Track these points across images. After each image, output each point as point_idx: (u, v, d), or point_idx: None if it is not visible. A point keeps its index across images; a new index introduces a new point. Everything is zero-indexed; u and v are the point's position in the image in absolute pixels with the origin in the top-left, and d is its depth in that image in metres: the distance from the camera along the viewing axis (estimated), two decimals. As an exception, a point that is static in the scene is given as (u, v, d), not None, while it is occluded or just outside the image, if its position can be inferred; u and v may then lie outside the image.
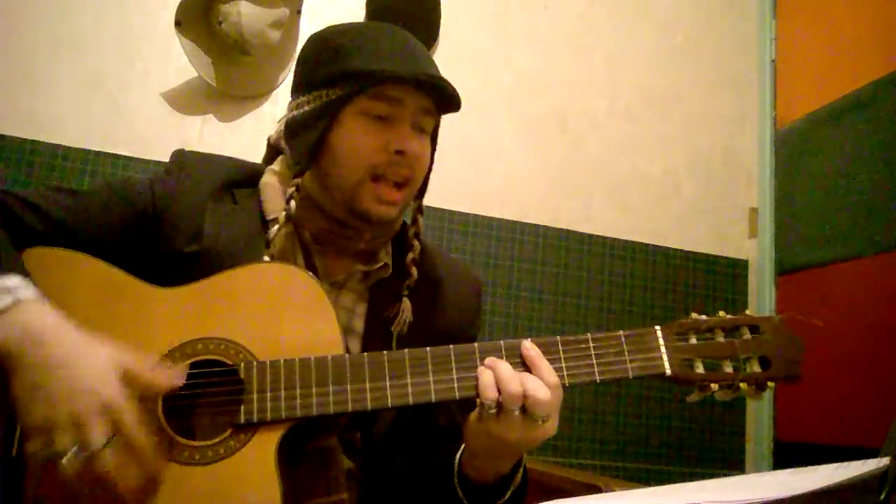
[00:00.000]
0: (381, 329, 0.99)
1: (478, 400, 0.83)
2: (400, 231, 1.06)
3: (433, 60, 0.97)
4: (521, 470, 0.92)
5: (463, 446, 0.91)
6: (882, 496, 0.49)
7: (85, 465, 0.70)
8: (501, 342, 0.86)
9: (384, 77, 0.91)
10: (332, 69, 0.94)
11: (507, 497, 0.90)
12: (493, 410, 0.81)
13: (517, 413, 0.81)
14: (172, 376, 0.80)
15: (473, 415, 0.85)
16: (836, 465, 0.54)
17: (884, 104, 2.10)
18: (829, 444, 2.09)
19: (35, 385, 0.72)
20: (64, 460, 0.70)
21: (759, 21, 2.67)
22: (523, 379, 0.81)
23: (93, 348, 0.76)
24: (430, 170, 1.03)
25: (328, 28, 1.01)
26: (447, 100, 0.96)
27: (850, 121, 2.22)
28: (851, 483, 0.50)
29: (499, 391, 0.81)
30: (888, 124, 2.07)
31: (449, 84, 0.94)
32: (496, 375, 0.82)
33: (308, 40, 1.01)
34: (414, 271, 1.01)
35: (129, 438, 0.73)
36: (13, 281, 0.78)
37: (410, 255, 1.01)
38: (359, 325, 0.99)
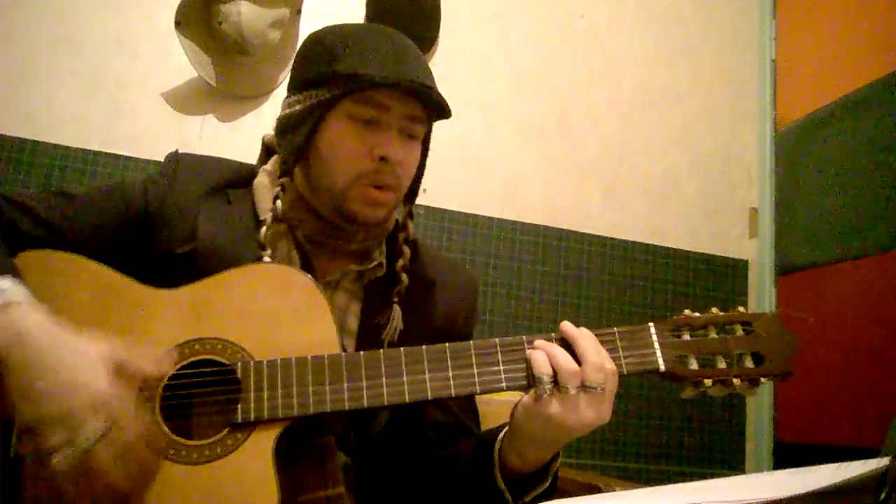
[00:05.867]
0: (376, 328, 0.99)
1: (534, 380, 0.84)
2: (393, 230, 1.06)
3: (425, 65, 0.96)
4: (558, 458, 0.92)
5: (501, 435, 0.91)
6: (882, 496, 0.49)
7: (77, 461, 0.70)
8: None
9: (369, 81, 0.90)
10: (321, 70, 0.94)
11: (548, 483, 0.90)
12: (549, 386, 0.81)
13: (574, 391, 0.81)
14: (162, 363, 0.80)
15: (527, 398, 0.85)
16: (836, 465, 0.54)
17: (884, 104, 2.10)
18: (829, 444, 2.09)
19: (25, 385, 0.72)
20: (54, 458, 0.69)
21: (759, 21, 2.67)
22: (578, 351, 0.83)
23: (82, 344, 0.75)
24: (420, 175, 1.03)
25: (325, 28, 1.00)
26: (435, 107, 0.95)
27: (850, 121, 2.22)
28: (851, 483, 0.50)
29: (553, 370, 0.82)
30: (888, 124, 2.07)
31: (436, 91, 0.93)
32: (550, 354, 0.83)
33: (305, 39, 1.01)
34: (404, 278, 1.01)
35: (121, 432, 0.72)
36: (3, 283, 0.77)
37: (401, 262, 1.01)
38: (353, 324, 0.99)
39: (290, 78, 1.02)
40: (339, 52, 0.93)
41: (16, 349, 0.73)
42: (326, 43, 0.96)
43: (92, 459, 0.70)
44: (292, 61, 1.02)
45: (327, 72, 0.93)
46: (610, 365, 0.84)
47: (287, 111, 0.99)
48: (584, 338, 0.85)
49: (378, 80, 0.90)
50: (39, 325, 0.75)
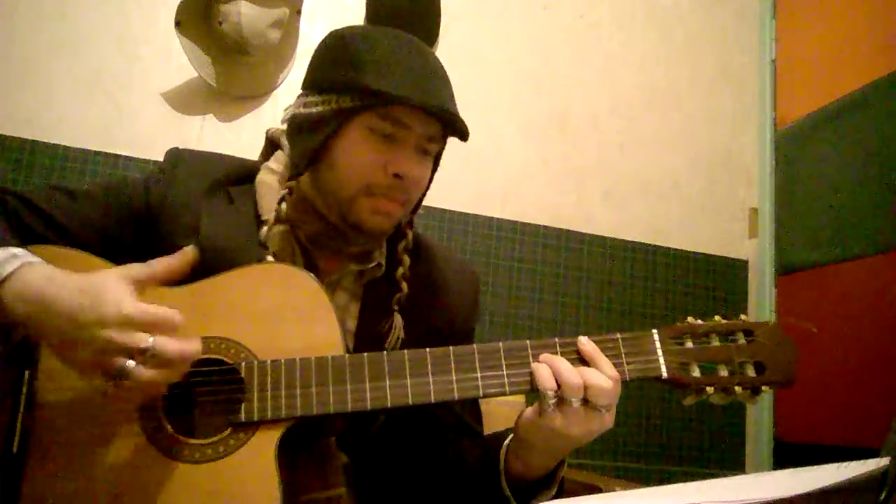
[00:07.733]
0: (374, 329, 0.99)
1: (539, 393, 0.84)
2: (395, 233, 1.06)
3: (450, 86, 0.97)
4: (564, 464, 0.92)
5: (507, 442, 0.92)
6: (882, 496, 0.49)
7: (150, 364, 0.72)
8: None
9: (396, 101, 0.90)
10: (346, 77, 0.92)
11: (554, 490, 0.91)
12: (553, 401, 0.82)
13: (577, 404, 0.82)
14: (174, 260, 0.81)
15: (531, 410, 0.85)
16: (836, 465, 0.54)
17: (884, 104, 2.10)
18: (829, 444, 2.09)
19: (62, 328, 0.73)
20: (133, 368, 0.71)
21: (759, 21, 2.67)
22: (582, 370, 0.83)
23: (95, 277, 0.76)
24: (427, 189, 1.03)
25: (349, 29, 0.99)
26: (456, 130, 0.97)
27: (850, 121, 2.22)
28: (851, 483, 0.50)
29: (558, 384, 0.82)
30: (888, 124, 2.07)
31: (460, 119, 0.94)
32: (554, 369, 0.83)
33: (328, 37, 0.99)
34: (405, 286, 1.00)
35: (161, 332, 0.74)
36: (16, 250, 0.79)
37: (400, 270, 1.01)
38: (352, 323, 0.99)
39: (309, 76, 0.99)
40: (366, 61, 0.92)
41: (51, 289, 0.74)
42: (353, 48, 0.94)
43: (161, 356, 0.73)
44: (311, 58, 1.00)
45: (353, 81, 0.91)
46: (613, 372, 0.84)
47: (304, 110, 0.97)
48: (596, 359, 0.85)
49: (406, 102, 0.90)
50: (54, 276, 0.76)
